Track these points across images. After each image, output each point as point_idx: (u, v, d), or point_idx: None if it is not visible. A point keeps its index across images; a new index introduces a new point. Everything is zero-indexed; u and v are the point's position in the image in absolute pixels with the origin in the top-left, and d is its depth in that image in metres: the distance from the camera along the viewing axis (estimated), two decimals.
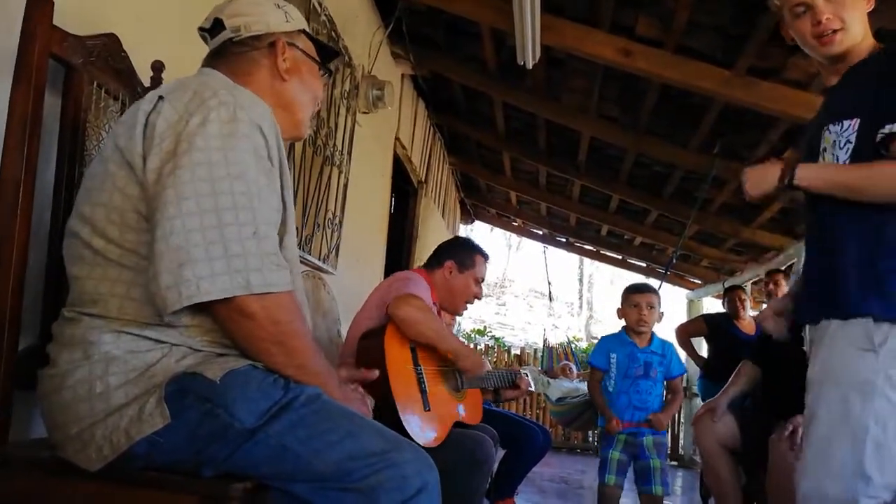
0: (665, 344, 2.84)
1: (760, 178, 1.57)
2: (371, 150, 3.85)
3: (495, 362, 6.93)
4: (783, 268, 4.65)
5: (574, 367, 3.83)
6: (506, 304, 19.89)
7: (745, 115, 3.48)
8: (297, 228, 2.23)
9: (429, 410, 1.97)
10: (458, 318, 3.44)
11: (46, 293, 1.23)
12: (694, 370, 5.00)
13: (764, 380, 2.75)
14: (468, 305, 2.46)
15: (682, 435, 6.46)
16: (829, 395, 1.39)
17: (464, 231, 8.33)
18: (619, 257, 7.64)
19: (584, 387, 3.23)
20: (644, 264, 7.44)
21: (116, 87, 1.38)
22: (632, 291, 2.83)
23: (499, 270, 20.40)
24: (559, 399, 3.32)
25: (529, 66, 3.23)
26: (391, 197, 4.66)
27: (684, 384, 4.36)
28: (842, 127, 1.46)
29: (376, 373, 1.38)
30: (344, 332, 2.53)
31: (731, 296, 4.52)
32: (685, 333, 4.74)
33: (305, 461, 0.97)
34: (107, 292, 1.03)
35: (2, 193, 1.10)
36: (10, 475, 1.05)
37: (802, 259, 1.62)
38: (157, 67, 1.48)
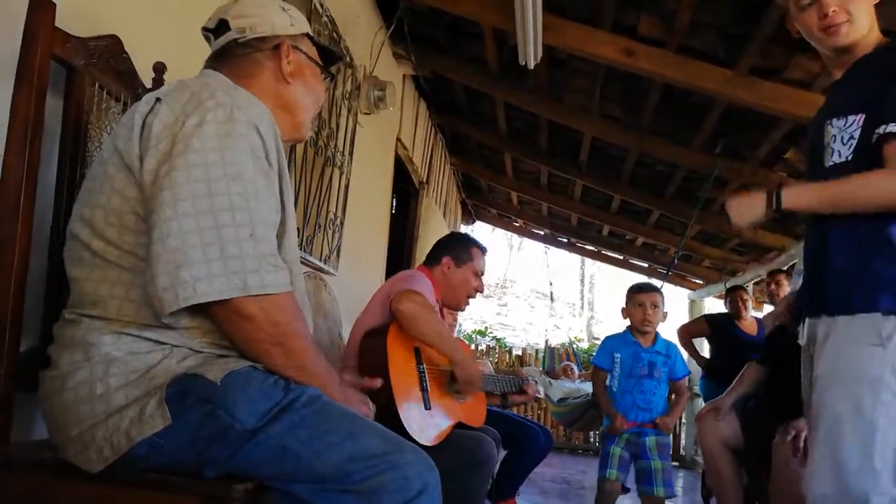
0: (669, 345, 2.83)
1: (746, 209, 1.56)
2: (372, 151, 3.85)
3: (496, 363, 6.92)
4: (785, 268, 4.65)
5: (575, 368, 3.83)
6: (507, 305, 19.88)
7: (747, 115, 3.48)
8: (298, 229, 2.23)
9: (429, 410, 1.97)
10: (458, 320, 3.44)
11: (48, 295, 1.23)
12: (696, 371, 4.99)
13: (768, 380, 2.74)
14: (470, 300, 2.44)
15: (683, 435, 6.46)
16: (838, 393, 1.38)
17: (465, 231, 8.33)
18: (621, 258, 7.64)
19: (585, 387, 3.23)
20: (646, 264, 7.43)
21: (118, 88, 1.38)
22: (636, 291, 2.83)
23: (500, 271, 20.40)
24: (561, 400, 3.31)
25: (531, 66, 3.23)
26: (392, 198, 4.66)
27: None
28: (846, 122, 1.45)
29: (379, 382, 1.37)
30: (345, 334, 2.53)
31: (733, 296, 4.51)
32: (687, 334, 4.74)
33: (306, 462, 0.97)
34: (106, 294, 1.03)
35: (3, 196, 1.11)
36: (11, 476, 1.05)
37: (803, 256, 1.62)
38: (159, 69, 1.49)
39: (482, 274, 2.43)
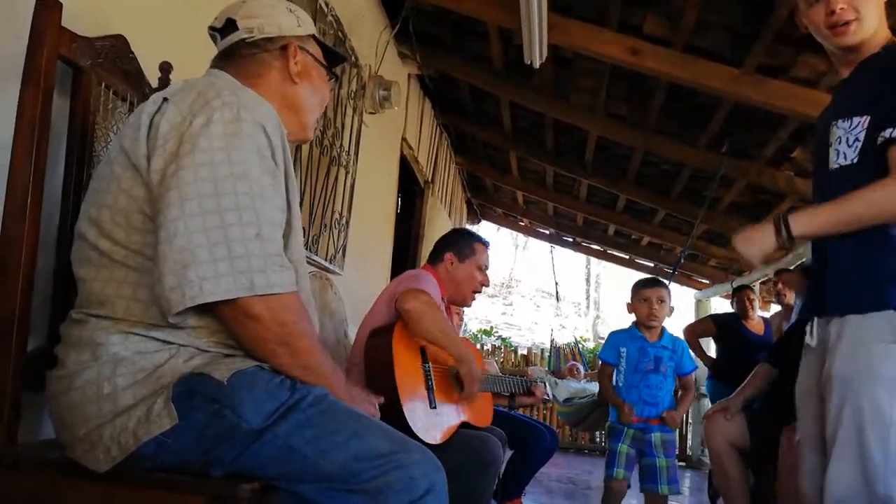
0: (676, 340, 2.82)
1: (755, 243, 1.49)
2: (377, 151, 3.85)
3: (502, 363, 6.92)
4: (792, 267, 4.62)
5: (581, 368, 3.83)
6: (512, 304, 19.88)
7: (754, 114, 3.46)
8: (303, 229, 2.23)
9: (435, 408, 1.97)
10: (464, 319, 3.44)
11: (55, 295, 1.23)
12: (702, 371, 4.98)
13: (777, 380, 2.73)
14: (476, 295, 2.42)
15: (689, 435, 6.44)
16: (856, 393, 1.36)
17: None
18: (627, 257, 7.62)
19: (591, 387, 3.23)
20: (652, 264, 7.40)
21: (124, 88, 1.38)
22: (642, 286, 2.82)
23: (506, 270, 20.39)
24: (566, 400, 3.31)
25: (536, 65, 3.22)
26: (398, 197, 4.65)
27: None
28: (851, 124, 1.44)
29: (381, 399, 1.36)
30: (351, 333, 2.53)
31: (740, 296, 4.50)
32: (693, 334, 4.72)
33: (312, 462, 0.97)
34: (113, 294, 1.03)
35: (11, 196, 1.11)
36: (19, 476, 1.06)
37: (809, 255, 1.60)
38: (165, 69, 1.49)
39: (486, 268, 2.40)
